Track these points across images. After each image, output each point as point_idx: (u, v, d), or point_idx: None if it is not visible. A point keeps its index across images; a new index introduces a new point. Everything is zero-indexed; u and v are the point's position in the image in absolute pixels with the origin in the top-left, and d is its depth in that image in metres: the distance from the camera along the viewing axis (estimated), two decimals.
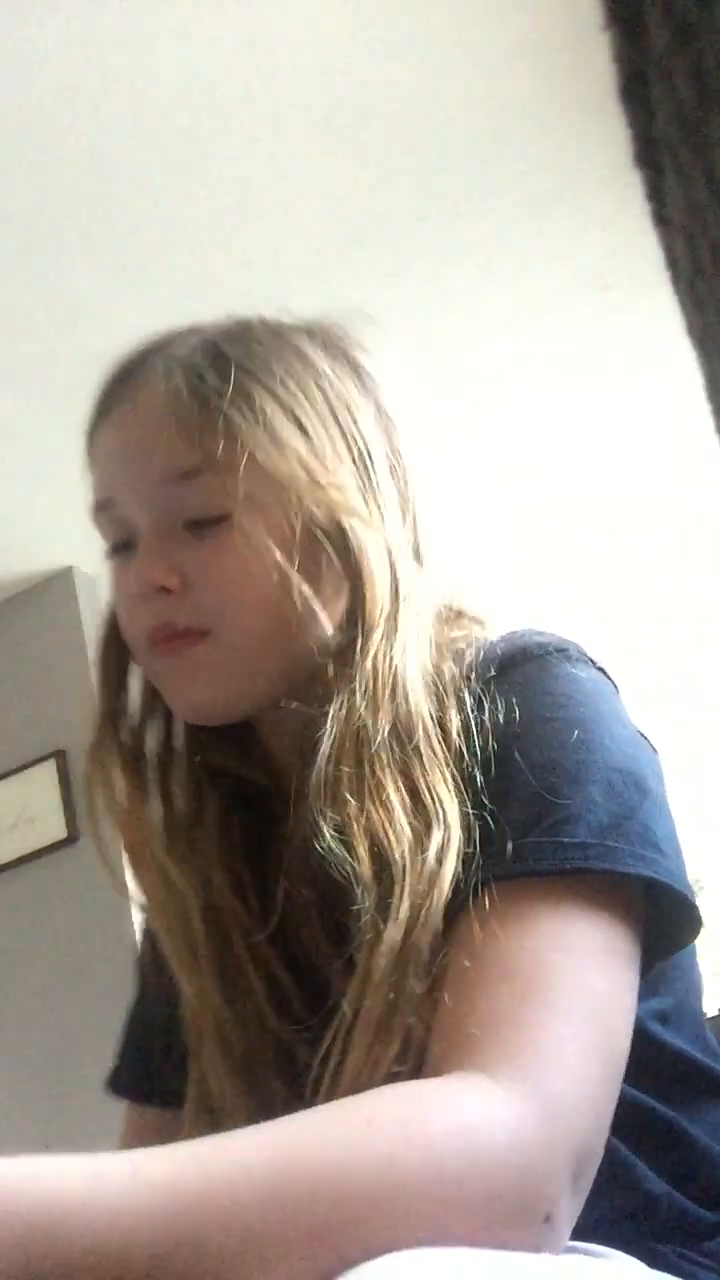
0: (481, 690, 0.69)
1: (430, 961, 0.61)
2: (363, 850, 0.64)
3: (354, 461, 0.75)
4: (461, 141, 1.97)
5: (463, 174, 2.04)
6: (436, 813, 0.64)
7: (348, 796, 0.66)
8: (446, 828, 0.63)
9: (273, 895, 0.75)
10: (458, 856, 0.62)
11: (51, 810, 2.70)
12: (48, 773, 2.73)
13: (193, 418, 0.71)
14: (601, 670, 0.74)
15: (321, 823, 0.65)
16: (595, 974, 0.58)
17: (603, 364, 2.68)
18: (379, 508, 0.75)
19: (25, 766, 2.77)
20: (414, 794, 0.65)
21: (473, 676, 0.70)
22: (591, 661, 0.73)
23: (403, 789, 0.66)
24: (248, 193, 1.96)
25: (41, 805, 2.71)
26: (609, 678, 0.74)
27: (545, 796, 0.63)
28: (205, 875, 0.76)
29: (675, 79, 0.27)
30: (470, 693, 0.69)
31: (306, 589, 0.71)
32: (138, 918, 2.78)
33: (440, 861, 0.62)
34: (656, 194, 0.32)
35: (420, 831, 0.64)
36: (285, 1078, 0.70)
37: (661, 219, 0.33)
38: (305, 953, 0.74)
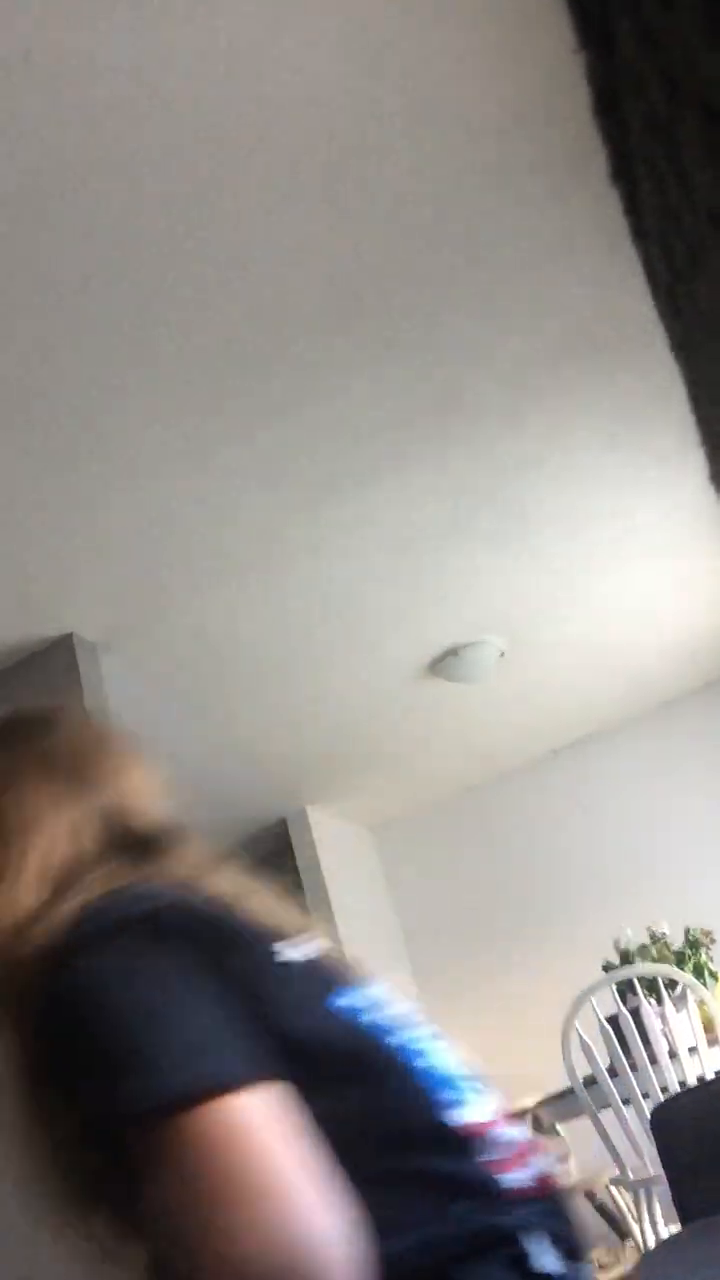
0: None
1: None
2: None
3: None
4: (453, 205, 2.00)
5: (455, 236, 2.07)
6: None
7: None
8: None
9: None
10: None
11: None
12: None
13: None
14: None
15: None
16: None
17: (593, 421, 2.71)
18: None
19: None
20: None
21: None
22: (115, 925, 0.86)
23: None
24: (244, 254, 2.00)
25: None
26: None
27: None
28: None
29: (646, 85, 0.28)
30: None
31: None
32: None
33: None
34: (633, 207, 0.33)
35: None
36: None
37: (639, 232, 0.33)
38: None
